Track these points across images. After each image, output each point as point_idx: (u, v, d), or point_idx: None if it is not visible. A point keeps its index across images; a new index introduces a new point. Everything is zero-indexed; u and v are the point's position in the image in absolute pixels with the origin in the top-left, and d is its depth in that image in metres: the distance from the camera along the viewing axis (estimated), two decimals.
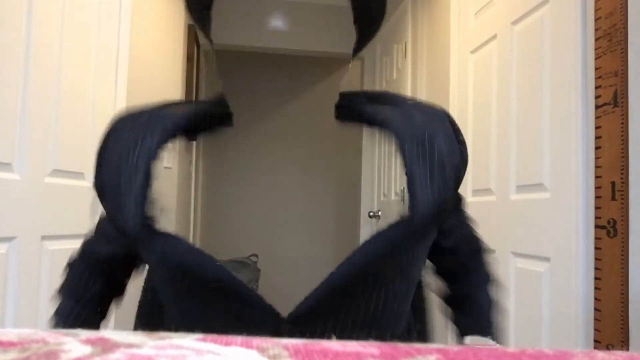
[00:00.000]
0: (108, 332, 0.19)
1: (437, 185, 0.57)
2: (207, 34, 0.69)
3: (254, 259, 3.35)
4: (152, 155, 0.56)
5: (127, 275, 0.77)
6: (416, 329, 0.75)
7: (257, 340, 0.18)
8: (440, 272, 0.82)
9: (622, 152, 1.16)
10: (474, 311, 0.78)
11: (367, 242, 0.56)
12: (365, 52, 3.87)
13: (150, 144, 0.57)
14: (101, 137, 0.63)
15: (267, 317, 0.58)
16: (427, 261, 0.78)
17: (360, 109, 0.66)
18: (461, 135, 0.66)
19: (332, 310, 0.58)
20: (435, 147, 0.59)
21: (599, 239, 1.23)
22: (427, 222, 0.58)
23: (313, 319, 0.58)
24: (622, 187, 1.16)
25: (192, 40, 2.89)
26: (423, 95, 2.72)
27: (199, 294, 0.59)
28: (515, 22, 1.69)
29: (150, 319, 0.72)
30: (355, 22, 0.68)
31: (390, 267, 0.59)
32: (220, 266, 0.56)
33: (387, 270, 0.59)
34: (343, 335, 0.59)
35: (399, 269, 0.60)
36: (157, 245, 0.57)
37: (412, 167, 0.57)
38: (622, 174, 1.16)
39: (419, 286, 0.76)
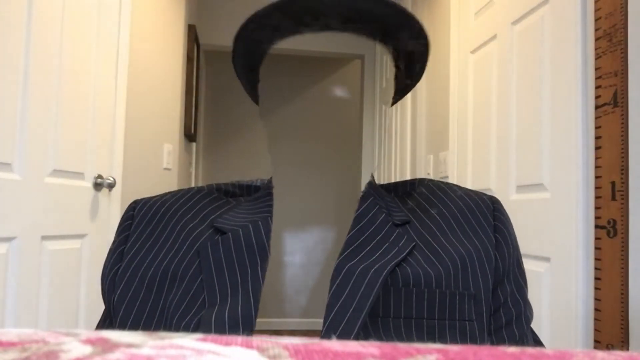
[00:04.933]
0: (108, 332, 0.19)
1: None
2: (255, 98, 0.66)
3: None
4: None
5: None
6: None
7: (257, 341, 0.18)
8: None
9: (622, 152, 1.16)
10: None
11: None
12: (365, 52, 3.88)
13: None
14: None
15: None
16: None
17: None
18: (500, 222, 0.58)
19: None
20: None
21: (599, 239, 1.23)
22: None
23: None
24: (622, 187, 1.16)
25: (192, 40, 2.89)
26: (423, 95, 2.72)
27: None
28: (515, 22, 1.69)
29: None
30: (396, 78, 0.65)
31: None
32: None
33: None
34: None
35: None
36: None
37: None
38: (622, 174, 1.16)
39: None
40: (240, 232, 0.54)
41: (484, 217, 0.57)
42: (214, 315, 0.48)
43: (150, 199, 0.61)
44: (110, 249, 0.58)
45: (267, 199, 0.62)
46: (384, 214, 0.57)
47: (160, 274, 0.53)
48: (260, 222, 0.56)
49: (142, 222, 0.58)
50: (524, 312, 0.58)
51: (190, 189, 0.63)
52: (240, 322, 0.47)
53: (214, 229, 0.55)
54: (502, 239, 0.57)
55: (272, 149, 0.66)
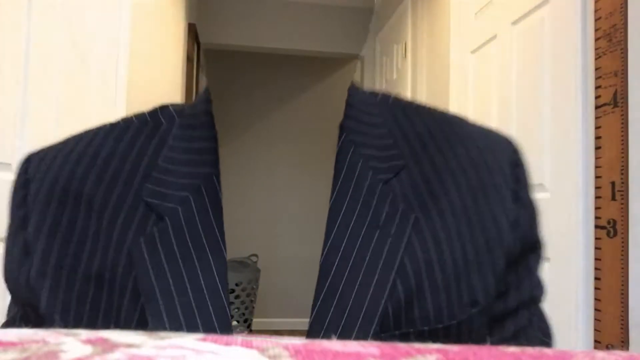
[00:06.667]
0: (108, 332, 0.19)
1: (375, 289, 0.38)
2: None
3: (254, 259, 3.35)
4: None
5: None
6: None
7: (257, 341, 0.18)
8: None
9: (622, 152, 1.16)
10: None
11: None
12: (365, 52, 3.87)
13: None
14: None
15: None
16: None
17: None
18: (523, 186, 0.44)
19: None
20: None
21: (599, 239, 1.23)
22: None
23: None
24: (622, 187, 1.16)
25: (192, 39, 2.89)
26: (423, 95, 2.72)
27: None
28: (515, 22, 1.69)
29: None
30: None
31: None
32: None
33: None
34: None
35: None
36: None
37: None
38: (622, 174, 1.16)
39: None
40: (181, 217, 0.39)
41: (503, 176, 0.43)
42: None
43: (48, 155, 0.42)
44: (10, 233, 0.41)
45: (207, 130, 0.43)
46: (370, 171, 0.42)
47: (90, 276, 0.38)
48: (204, 190, 0.40)
49: (42, 193, 0.40)
50: (533, 295, 0.45)
51: (101, 129, 0.44)
52: None
53: (145, 206, 0.39)
54: (523, 208, 0.43)
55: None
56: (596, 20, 1.27)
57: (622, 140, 1.16)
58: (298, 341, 0.18)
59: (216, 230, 0.39)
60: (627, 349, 1.12)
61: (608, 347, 1.18)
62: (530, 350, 0.18)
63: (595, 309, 1.24)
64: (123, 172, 0.41)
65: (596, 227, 1.25)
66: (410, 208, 0.40)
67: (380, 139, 0.44)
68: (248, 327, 3.11)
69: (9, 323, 0.44)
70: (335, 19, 3.59)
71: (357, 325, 0.36)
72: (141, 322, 0.37)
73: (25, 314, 0.42)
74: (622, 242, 1.15)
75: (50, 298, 0.38)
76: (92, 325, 0.38)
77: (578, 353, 0.18)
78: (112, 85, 1.86)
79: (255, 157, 4.26)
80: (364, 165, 0.42)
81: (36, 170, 0.41)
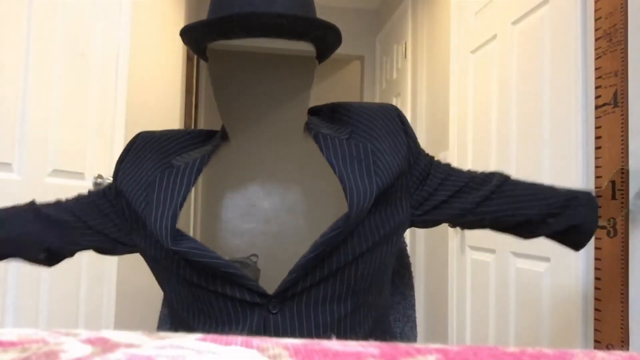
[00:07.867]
0: (108, 332, 0.19)
1: (368, 180, 0.78)
2: (205, 59, 0.93)
3: (254, 259, 3.35)
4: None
5: (81, 247, 0.87)
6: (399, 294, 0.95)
7: (257, 340, 0.18)
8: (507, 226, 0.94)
9: (622, 152, 1.16)
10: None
11: (327, 230, 0.76)
12: (365, 52, 3.87)
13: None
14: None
15: (257, 297, 0.76)
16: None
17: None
18: (408, 127, 0.88)
19: (312, 284, 0.76)
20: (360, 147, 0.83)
21: (599, 239, 1.23)
22: (365, 210, 0.76)
23: (297, 293, 0.76)
24: (622, 187, 1.16)
25: None
26: (423, 95, 2.72)
27: (202, 282, 0.77)
28: (515, 22, 1.69)
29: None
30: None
31: (352, 244, 0.77)
32: (221, 259, 0.78)
33: (350, 247, 0.77)
34: (325, 306, 0.76)
35: (363, 245, 0.78)
36: (182, 244, 0.76)
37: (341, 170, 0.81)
38: (622, 174, 1.16)
39: (400, 256, 0.90)
40: (180, 169, 0.83)
41: (395, 122, 0.87)
42: (154, 217, 0.78)
43: (152, 133, 0.90)
44: (118, 161, 0.88)
45: (214, 141, 0.89)
46: (336, 138, 0.85)
47: (144, 182, 0.84)
48: (193, 165, 0.84)
49: (137, 150, 0.87)
50: (434, 161, 0.90)
51: (187, 133, 0.92)
52: (166, 224, 0.77)
53: (170, 164, 0.84)
54: (409, 129, 0.88)
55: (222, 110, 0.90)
56: (596, 20, 1.27)
57: (622, 140, 1.17)
58: (298, 341, 0.18)
59: (189, 180, 0.84)
60: (627, 349, 1.12)
61: (608, 347, 1.18)
62: (530, 350, 0.18)
63: (595, 309, 1.24)
64: (170, 151, 0.87)
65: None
66: (361, 142, 0.84)
67: (330, 127, 0.89)
68: None
69: (100, 190, 0.91)
70: (336, 20, 3.60)
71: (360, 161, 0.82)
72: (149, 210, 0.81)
73: (112, 189, 0.88)
74: (622, 242, 1.15)
75: (127, 186, 0.84)
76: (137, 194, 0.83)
77: (578, 353, 0.18)
78: (112, 86, 1.86)
79: (255, 156, 4.26)
80: (331, 137, 0.86)
81: (138, 138, 0.89)
